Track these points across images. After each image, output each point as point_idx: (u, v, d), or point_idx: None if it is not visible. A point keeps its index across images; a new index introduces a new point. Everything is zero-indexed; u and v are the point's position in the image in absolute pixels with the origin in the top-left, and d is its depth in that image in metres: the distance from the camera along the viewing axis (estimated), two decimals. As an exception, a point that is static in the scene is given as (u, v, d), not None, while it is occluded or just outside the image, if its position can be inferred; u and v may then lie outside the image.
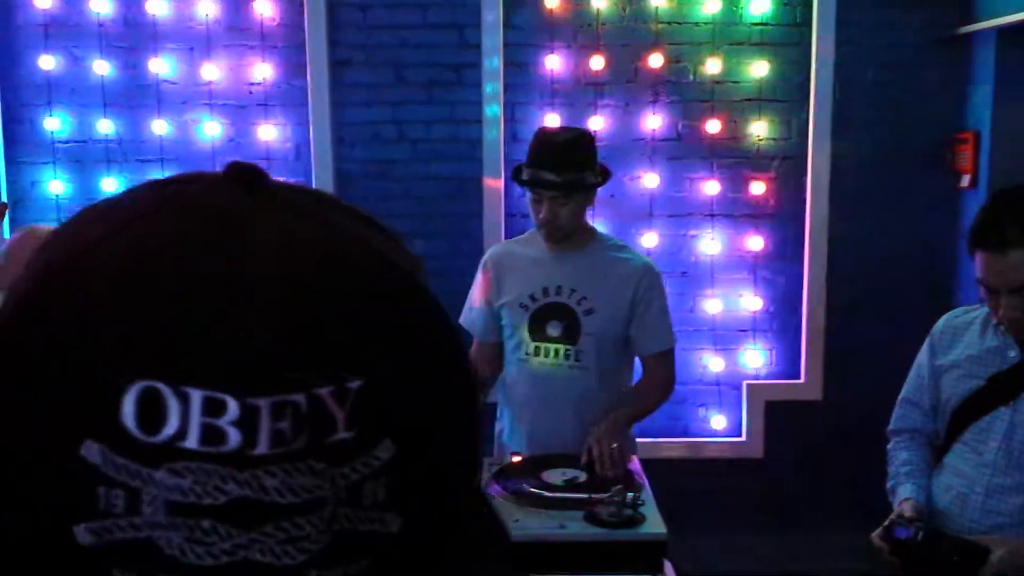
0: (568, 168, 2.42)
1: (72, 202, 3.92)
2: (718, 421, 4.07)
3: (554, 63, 3.89)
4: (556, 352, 2.53)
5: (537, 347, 2.55)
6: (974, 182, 3.79)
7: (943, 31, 3.86)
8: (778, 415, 4.07)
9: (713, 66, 3.88)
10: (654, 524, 1.97)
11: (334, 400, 0.40)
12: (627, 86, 3.93)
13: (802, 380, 4.06)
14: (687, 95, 3.92)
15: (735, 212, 3.98)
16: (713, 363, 4.02)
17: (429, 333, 0.46)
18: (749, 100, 3.93)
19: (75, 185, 3.93)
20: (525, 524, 1.98)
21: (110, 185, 3.90)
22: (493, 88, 3.87)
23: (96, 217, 0.46)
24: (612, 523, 1.96)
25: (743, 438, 4.08)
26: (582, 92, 3.93)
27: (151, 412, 0.38)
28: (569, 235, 2.51)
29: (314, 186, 3.81)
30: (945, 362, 2.14)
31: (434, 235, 3.98)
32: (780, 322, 4.08)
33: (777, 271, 4.04)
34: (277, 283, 0.41)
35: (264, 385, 0.39)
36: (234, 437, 0.39)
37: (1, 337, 0.41)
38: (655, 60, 3.88)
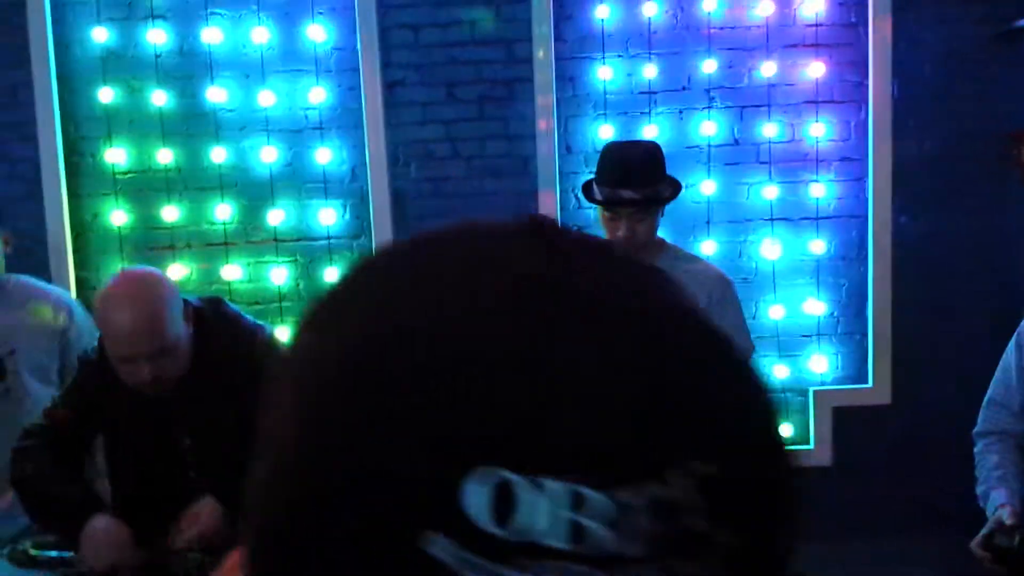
0: (646, 184, 2.39)
1: (134, 232, 3.97)
2: (785, 429, 4.01)
3: (606, 73, 3.88)
4: None
5: None
6: (1042, 177, 3.71)
7: (1001, 25, 3.79)
8: (846, 421, 4.00)
9: (768, 69, 3.84)
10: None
11: (697, 491, 0.36)
12: (681, 93, 3.90)
13: (870, 385, 3.99)
14: (742, 100, 3.88)
15: (795, 215, 3.93)
16: (778, 370, 3.96)
17: (764, 407, 0.43)
18: (806, 102, 3.88)
19: (136, 215, 3.98)
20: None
21: (171, 214, 3.94)
22: (545, 101, 3.86)
23: (393, 285, 0.42)
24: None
25: (811, 446, 4.02)
26: (635, 101, 3.91)
27: (504, 503, 0.34)
28: (643, 249, 2.49)
29: (372, 207, 3.84)
30: None
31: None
32: (845, 326, 4.01)
33: (840, 274, 3.97)
34: (630, 367, 0.38)
35: (629, 476, 0.35)
36: (606, 536, 0.34)
37: (328, 423, 0.38)
38: (708, 66, 3.85)
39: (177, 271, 3.97)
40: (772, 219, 3.93)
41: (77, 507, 1.99)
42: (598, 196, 2.44)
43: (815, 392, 3.98)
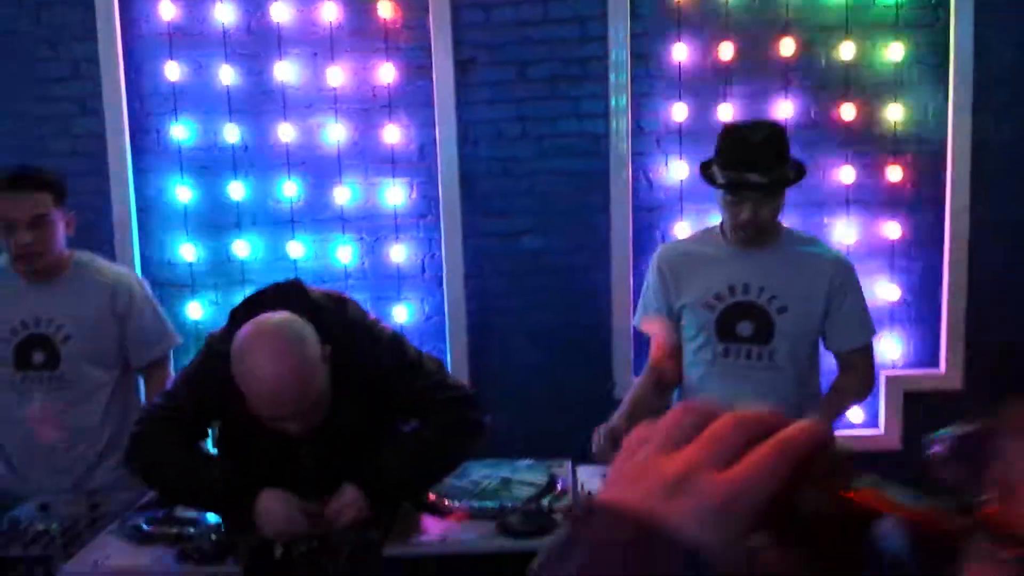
0: (772, 167, 2.34)
1: (199, 209, 3.93)
2: (855, 413, 3.96)
3: (681, 53, 3.81)
4: (748, 353, 2.46)
5: (727, 348, 2.48)
6: None
7: (1084, 5, 3.72)
8: (917, 406, 3.95)
9: (847, 51, 3.77)
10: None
11: None
12: (757, 74, 3.83)
13: (942, 370, 3.94)
14: (820, 81, 3.82)
15: (871, 199, 3.87)
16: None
17: None
18: (885, 84, 3.81)
19: (201, 192, 3.94)
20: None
21: (236, 191, 3.90)
22: (619, 80, 3.80)
23: None
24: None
25: (880, 430, 3.98)
26: (710, 81, 3.84)
27: None
28: (764, 233, 2.44)
29: (440, 185, 3.79)
30: None
31: (559, 231, 3.93)
32: (918, 311, 3.96)
33: (914, 258, 3.91)
34: None
35: None
36: None
37: None
38: (786, 46, 3.78)
39: (241, 248, 3.93)
40: (848, 201, 3.87)
41: (227, 487, 1.96)
42: (721, 180, 2.38)
43: (886, 376, 3.93)
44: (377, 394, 2.03)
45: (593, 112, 3.87)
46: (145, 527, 2.04)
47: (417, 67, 3.86)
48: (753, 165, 2.31)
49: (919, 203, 3.88)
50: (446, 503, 2.02)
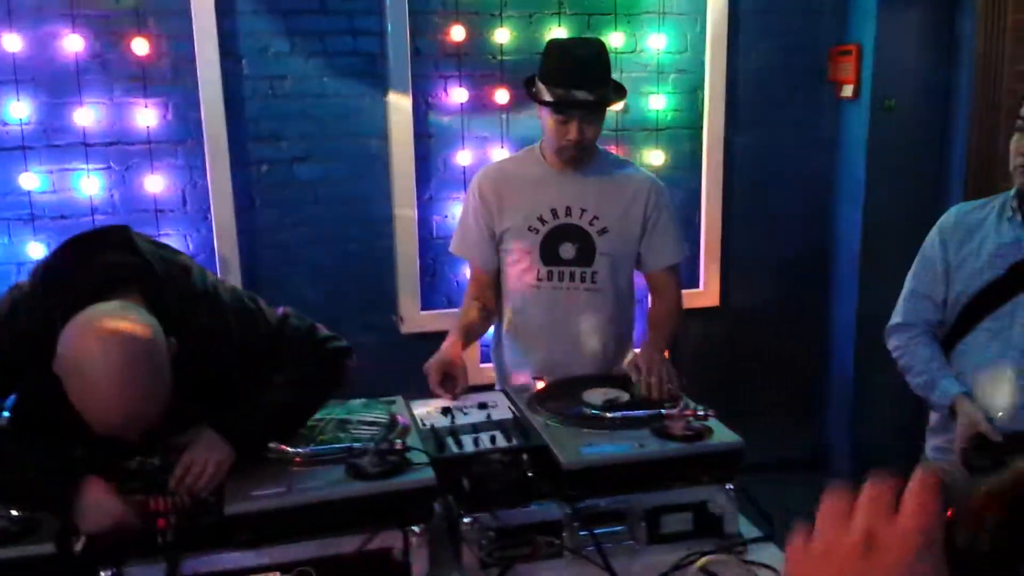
0: (599, 85, 2.30)
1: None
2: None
3: (457, -29, 3.69)
4: (571, 275, 2.44)
5: (550, 271, 2.45)
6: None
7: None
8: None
9: (618, -23, 3.84)
10: (725, 433, 1.98)
11: None
12: (531, -3, 3.80)
13: (700, 288, 4.21)
14: (591, 7, 3.86)
15: (636, 127, 4.00)
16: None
17: None
18: (648, 13, 3.92)
19: (-100, 112, 3.29)
20: (598, 445, 1.92)
21: None
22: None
23: None
24: (686, 437, 1.95)
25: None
26: (487, 3, 3.76)
27: None
28: (585, 153, 2.41)
29: (201, 106, 3.42)
30: (960, 255, 2.22)
31: (334, 157, 3.71)
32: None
33: (675, 184, 4.10)
34: None
35: None
36: None
37: None
38: (560, -30, 3.78)
39: (-41, 180, 3.34)
40: (616, 131, 3.98)
41: (44, 478, 1.63)
42: (547, 97, 2.31)
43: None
44: (223, 370, 1.79)
45: (368, 30, 3.66)
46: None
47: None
48: (580, 82, 2.27)
49: (678, 131, 4.07)
50: (288, 451, 1.83)
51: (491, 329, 2.69)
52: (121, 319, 1.56)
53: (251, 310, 1.86)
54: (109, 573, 1.61)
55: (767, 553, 1.87)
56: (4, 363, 1.66)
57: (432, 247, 3.88)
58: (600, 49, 2.35)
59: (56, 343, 1.54)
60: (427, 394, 2.27)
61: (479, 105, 3.81)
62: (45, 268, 1.71)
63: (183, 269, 1.78)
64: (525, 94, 3.63)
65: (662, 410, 2.03)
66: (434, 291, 3.91)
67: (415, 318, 3.84)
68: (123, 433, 1.60)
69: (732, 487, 1.92)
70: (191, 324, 1.71)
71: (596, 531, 1.83)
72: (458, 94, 3.77)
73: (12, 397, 1.77)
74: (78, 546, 1.61)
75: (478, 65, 3.79)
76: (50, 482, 1.63)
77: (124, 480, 1.69)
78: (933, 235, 2.29)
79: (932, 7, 3.97)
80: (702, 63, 4.01)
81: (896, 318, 2.35)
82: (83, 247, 1.70)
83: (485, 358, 3.63)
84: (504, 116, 3.82)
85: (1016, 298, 2.15)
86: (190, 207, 3.60)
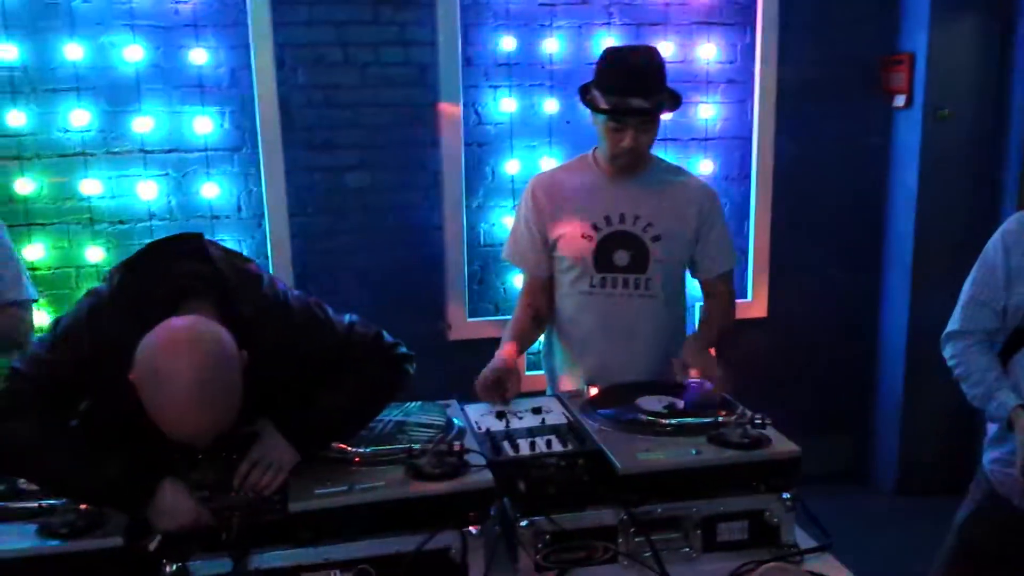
0: (655, 92, 2.31)
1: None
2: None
3: (508, -18, 3.72)
4: (625, 282, 2.45)
5: (604, 278, 2.46)
6: (908, 102, 4.00)
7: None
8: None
9: (667, -13, 3.85)
10: (782, 442, 1.97)
11: None
12: (581, 7, 3.83)
13: (749, 299, 4.19)
14: (640, 17, 3.87)
15: (684, 136, 4.00)
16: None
17: None
18: (697, 23, 3.93)
19: (-31, 119, 3.39)
20: (654, 451, 1.92)
21: (16, 119, 3.40)
22: (447, 6, 3.65)
23: None
24: (743, 445, 1.94)
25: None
26: (536, 14, 3.79)
27: None
28: (640, 160, 2.42)
29: (258, 116, 3.49)
30: (1021, 263, 2.18)
31: (385, 166, 3.76)
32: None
33: (724, 194, 4.09)
34: None
35: None
36: None
37: None
38: (610, -20, 3.80)
39: (24, 186, 3.43)
40: (664, 139, 3.97)
41: (126, 481, 1.67)
42: (603, 104, 2.32)
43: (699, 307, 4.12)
44: (291, 377, 1.83)
45: (419, 40, 3.71)
46: (-7, 502, 1.73)
47: (226, -18, 3.51)
48: (636, 90, 2.28)
49: (727, 140, 4.06)
50: (348, 450, 1.86)
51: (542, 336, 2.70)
52: (199, 333, 1.59)
53: (320, 320, 1.89)
54: (174, 567, 1.64)
55: (823, 563, 1.86)
56: (84, 368, 1.69)
57: (480, 255, 3.91)
58: (655, 56, 2.36)
59: (132, 350, 1.58)
60: (474, 400, 2.29)
61: (528, 114, 3.84)
62: (122, 276, 1.75)
63: (255, 278, 1.82)
64: (574, 103, 3.71)
65: (719, 417, 2.03)
66: (481, 298, 3.93)
67: (462, 325, 3.87)
68: (195, 441, 1.64)
69: (789, 496, 1.91)
70: (261, 334, 1.74)
71: (652, 537, 1.84)
72: (507, 103, 3.80)
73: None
74: (153, 545, 1.65)
75: (527, 75, 3.82)
76: (130, 483, 1.67)
77: (191, 476, 1.73)
78: (996, 241, 2.25)
79: (985, 14, 3.92)
80: (751, 73, 4.00)
81: (953, 325, 2.31)
82: (159, 255, 1.75)
83: (531, 366, 3.65)
84: (552, 125, 3.84)
85: None
86: (244, 213, 3.67)
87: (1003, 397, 2.14)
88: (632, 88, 2.28)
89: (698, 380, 2.17)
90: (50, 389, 1.70)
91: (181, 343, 1.56)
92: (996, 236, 2.26)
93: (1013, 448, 2.13)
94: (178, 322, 1.61)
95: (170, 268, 1.72)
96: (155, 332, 1.59)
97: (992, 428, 2.31)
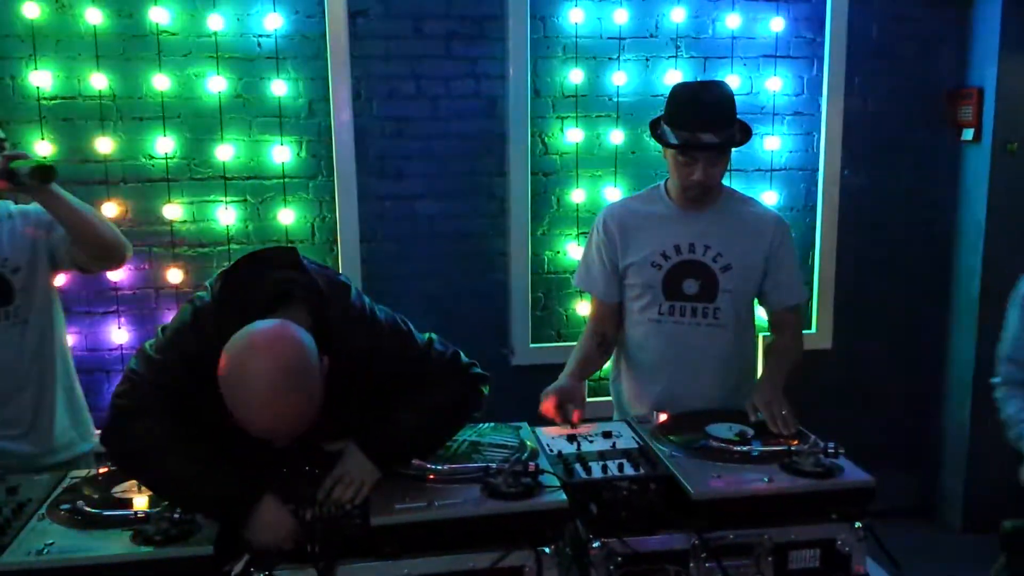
0: (725, 127, 2.36)
1: (62, 166, 3.52)
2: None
3: (577, 16, 3.80)
4: (694, 311, 2.49)
5: (672, 306, 2.50)
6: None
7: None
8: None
9: (732, 21, 3.90)
10: (855, 471, 1.98)
11: None
12: (648, 40, 3.89)
13: (814, 331, 4.18)
14: (706, 50, 3.93)
15: (749, 167, 4.03)
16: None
17: None
18: (765, 56, 3.97)
19: (64, 146, 3.56)
20: (727, 478, 1.95)
21: (104, 146, 3.56)
22: (517, 41, 3.74)
23: None
24: (816, 473, 1.96)
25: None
26: (604, 46, 3.86)
27: None
28: (711, 192, 2.47)
29: (334, 145, 3.61)
30: None
31: (457, 195, 3.85)
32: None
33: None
34: None
35: None
36: None
37: None
38: (676, 14, 3.86)
39: (110, 209, 3.59)
40: (729, 170, 4.00)
41: (239, 493, 1.76)
42: (674, 140, 2.38)
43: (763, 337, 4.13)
44: (373, 386, 1.91)
45: (490, 73, 3.80)
46: (89, 509, 1.82)
47: (305, 16, 3.64)
48: (706, 125, 2.33)
49: (794, 172, 4.08)
50: (427, 466, 1.93)
51: (610, 362, 2.75)
52: (280, 336, 1.68)
53: (403, 332, 1.97)
54: None
55: (894, 594, 1.86)
56: (192, 368, 1.77)
57: (544, 282, 3.97)
58: (725, 92, 2.41)
59: None
60: (538, 424, 2.33)
61: (594, 144, 3.90)
62: (224, 281, 1.85)
63: (344, 288, 1.91)
64: (639, 134, 3.77)
65: (791, 446, 2.05)
66: (545, 324, 3.99)
67: (526, 351, 3.92)
68: (273, 439, 1.71)
69: (861, 526, 1.92)
70: (349, 341, 1.82)
71: (723, 563, 1.86)
72: (574, 134, 3.87)
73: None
74: (237, 569, 1.71)
75: (594, 106, 3.89)
76: (239, 496, 1.75)
77: (278, 487, 1.81)
78: (1018, 302, 2.35)
79: (1057, 49, 3.91)
80: (818, 105, 4.03)
81: (996, 377, 2.44)
82: (257, 264, 1.84)
83: (593, 392, 3.69)
84: (618, 155, 3.90)
85: None
86: (318, 239, 3.78)
87: None
88: (702, 124, 2.33)
89: (771, 420, 2.20)
90: (167, 389, 1.79)
91: (261, 345, 1.65)
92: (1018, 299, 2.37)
93: None
94: (262, 325, 1.70)
95: (269, 275, 1.81)
96: (240, 333, 1.68)
97: None
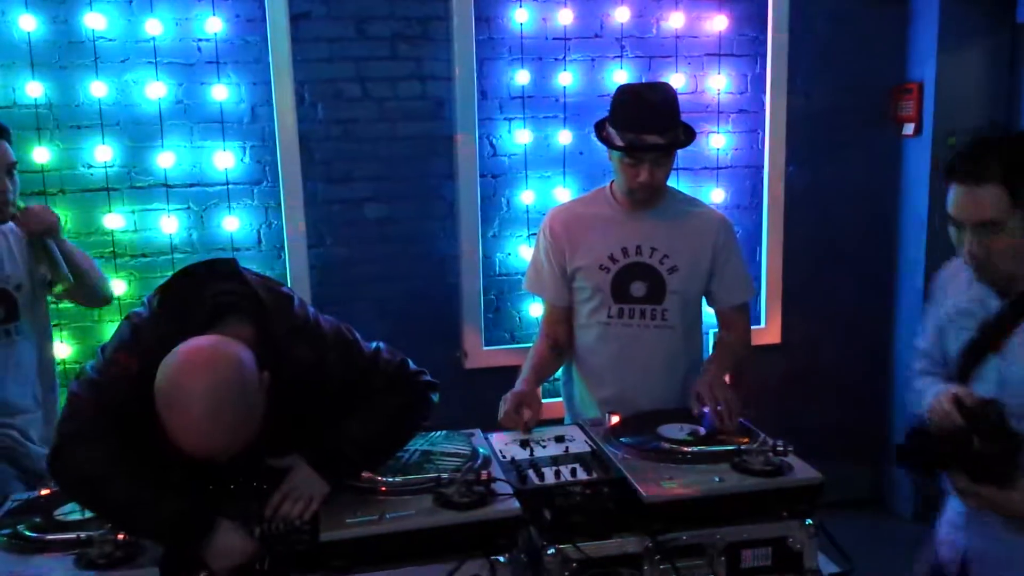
0: (669, 128, 2.37)
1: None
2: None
3: (522, 16, 3.79)
4: (642, 313, 2.50)
5: (621, 309, 2.50)
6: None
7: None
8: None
9: (675, 20, 3.92)
10: (804, 469, 2.00)
11: None
12: (594, 41, 3.89)
13: (762, 325, 4.22)
14: (651, 50, 3.94)
15: (696, 165, 4.05)
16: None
17: None
18: (708, 55, 3.99)
19: (-4, 156, 3.45)
20: (678, 479, 1.95)
21: (41, 155, 3.46)
22: (463, 42, 3.72)
23: None
24: (766, 472, 1.97)
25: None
26: (550, 47, 3.86)
27: None
28: (656, 193, 2.48)
29: (278, 150, 3.55)
30: (942, 314, 2.10)
31: (406, 198, 3.82)
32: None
33: (736, 222, 4.14)
34: None
35: None
36: None
37: None
38: (621, 14, 3.87)
39: (48, 221, 3.49)
40: (676, 169, 4.02)
41: (188, 519, 1.71)
42: (619, 142, 2.38)
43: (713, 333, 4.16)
44: (319, 397, 1.87)
45: (436, 75, 3.78)
46: (30, 534, 1.76)
47: (246, 20, 3.58)
48: (651, 127, 2.33)
49: (739, 169, 4.12)
50: (378, 478, 1.90)
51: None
52: (214, 353, 1.64)
53: (349, 341, 1.94)
54: None
55: (846, 589, 1.88)
56: (134, 387, 1.71)
57: (495, 283, 3.96)
58: (669, 94, 2.42)
59: None
60: (492, 428, 2.32)
61: (542, 146, 3.90)
62: (162, 297, 1.80)
63: (287, 298, 1.87)
64: (586, 135, 3.77)
65: (741, 445, 2.06)
66: (497, 327, 3.98)
67: (478, 354, 3.91)
68: (210, 457, 1.67)
69: (812, 522, 1.94)
70: (294, 353, 1.79)
71: (677, 564, 1.86)
72: (522, 135, 3.86)
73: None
74: None
75: (541, 107, 3.88)
76: (191, 521, 1.70)
77: (222, 505, 1.77)
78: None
79: (992, 42, 3.99)
80: (762, 102, 4.07)
81: (916, 366, 2.26)
82: (195, 277, 1.80)
83: (547, 394, 3.68)
84: (566, 156, 3.90)
85: (987, 360, 1.97)
86: (264, 246, 3.72)
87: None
88: (647, 125, 2.34)
89: (713, 407, 2.21)
90: (110, 410, 1.74)
91: (195, 363, 1.61)
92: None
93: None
94: (195, 342, 1.65)
95: (207, 288, 1.77)
96: (174, 352, 1.63)
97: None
